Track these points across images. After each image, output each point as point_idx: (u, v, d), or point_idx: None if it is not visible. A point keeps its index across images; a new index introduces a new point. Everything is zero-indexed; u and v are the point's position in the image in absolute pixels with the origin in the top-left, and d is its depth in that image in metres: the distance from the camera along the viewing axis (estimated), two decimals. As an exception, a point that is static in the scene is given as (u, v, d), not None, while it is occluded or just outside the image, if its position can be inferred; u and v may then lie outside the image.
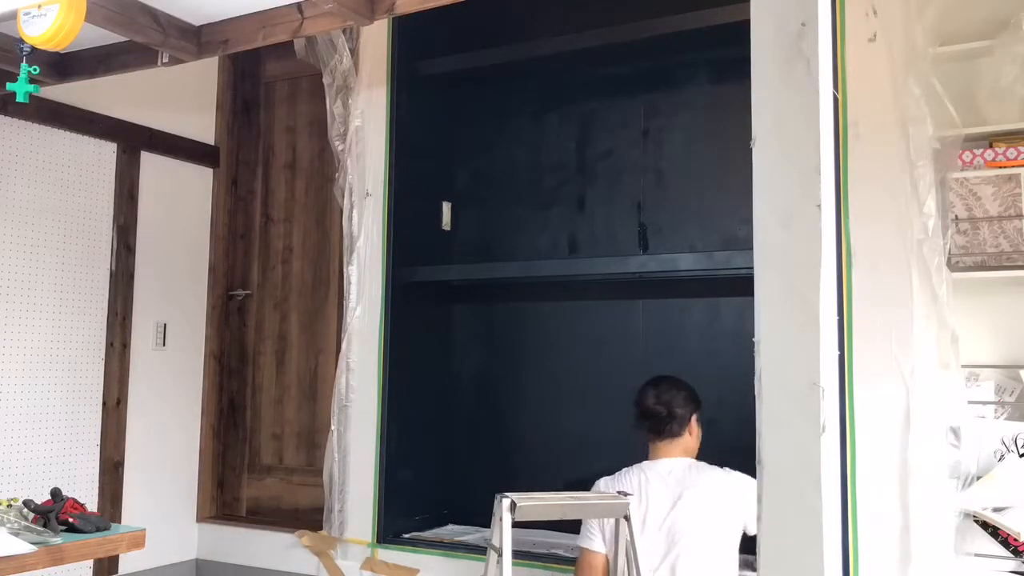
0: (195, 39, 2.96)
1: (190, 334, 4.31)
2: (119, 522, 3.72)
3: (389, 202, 3.72)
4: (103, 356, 3.89)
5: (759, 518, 2.03)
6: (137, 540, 2.49)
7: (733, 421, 2.71)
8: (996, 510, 2.61)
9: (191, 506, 4.28)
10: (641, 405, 2.80)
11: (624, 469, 2.76)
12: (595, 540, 2.64)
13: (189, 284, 4.33)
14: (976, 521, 2.65)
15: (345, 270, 3.76)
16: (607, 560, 2.61)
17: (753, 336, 2.37)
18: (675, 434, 2.77)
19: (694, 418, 2.83)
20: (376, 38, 3.80)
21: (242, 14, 2.88)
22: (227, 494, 4.36)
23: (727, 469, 2.73)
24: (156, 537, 3.05)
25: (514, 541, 2.21)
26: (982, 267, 2.79)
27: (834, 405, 2.31)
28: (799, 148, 2.28)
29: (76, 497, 2.54)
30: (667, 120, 3.72)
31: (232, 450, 4.38)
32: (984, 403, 2.79)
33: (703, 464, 2.78)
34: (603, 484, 2.72)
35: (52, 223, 3.70)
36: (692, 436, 2.82)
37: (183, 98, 4.30)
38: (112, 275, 3.92)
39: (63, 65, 3.20)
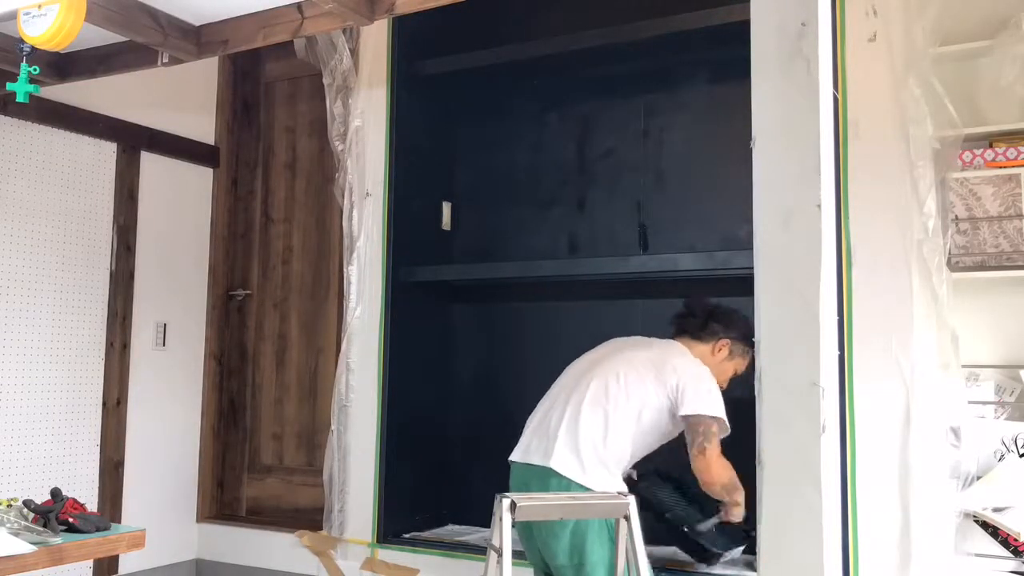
0: (195, 39, 2.96)
1: (190, 334, 4.31)
2: (119, 522, 3.72)
3: (389, 202, 3.72)
4: (103, 356, 3.89)
5: (759, 518, 2.03)
6: (137, 540, 2.49)
7: (732, 421, 2.71)
8: (996, 510, 2.62)
9: (191, 506, 4.28)
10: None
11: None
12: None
13: (189, 284, 4.33)
14: (976, 521, 2.65)
15: (345, 270, 3.76)
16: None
17: (753, 336, 2.38)
18: (680, 328, 2.85)
19: (726, 342, 2.81)
20: (376, 38, 3.80)
21: (242, 14, 2.88)
22: (227, 494, 4.36)
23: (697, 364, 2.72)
24: (156, 537, 3.05)
25: (514, 541, 2.21)
26: (982, 267, 2.79)
27: (834, 405, 2.32)
28: (799, 148, 2.28)
29: (76, 497, 2.53)
30: (667, 120, 3.72)
31: (232, 450, 4.38)
32: (984, 403, 2.79)
33: (676, 343, 2.80)
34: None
35: (52, 223, 3.70)
36: (713, 355, 2.80)
37: (183, 98, 4.30)
38: (112, 275, 3.92)
39: (63, 65, 3.20)
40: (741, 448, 2.49)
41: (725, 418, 2.61)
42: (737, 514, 2.71)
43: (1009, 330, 2.85)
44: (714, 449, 2.57)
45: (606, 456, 2.58)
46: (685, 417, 2.60)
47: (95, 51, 3.14)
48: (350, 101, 3.79)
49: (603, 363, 2.72)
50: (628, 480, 2.75)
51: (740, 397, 2.57)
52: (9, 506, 2.35)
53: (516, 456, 2.70)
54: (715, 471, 2.59)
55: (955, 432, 2.71)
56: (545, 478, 2.56)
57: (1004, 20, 2.81)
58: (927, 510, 2.67)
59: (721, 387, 2.74)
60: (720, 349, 2.82)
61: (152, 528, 2.72)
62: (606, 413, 2.60)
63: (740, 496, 2.65)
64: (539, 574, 2.74)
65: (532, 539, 2.64)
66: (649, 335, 3.65)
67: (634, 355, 2.73)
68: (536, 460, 2.61)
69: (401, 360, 3.70)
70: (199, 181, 4.40)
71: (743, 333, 2.78)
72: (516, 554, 2.34)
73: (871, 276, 2.79)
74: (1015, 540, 2.60)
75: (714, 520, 2.80)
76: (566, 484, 2.53)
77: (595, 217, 3.83)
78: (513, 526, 2.17)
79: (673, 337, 2.87)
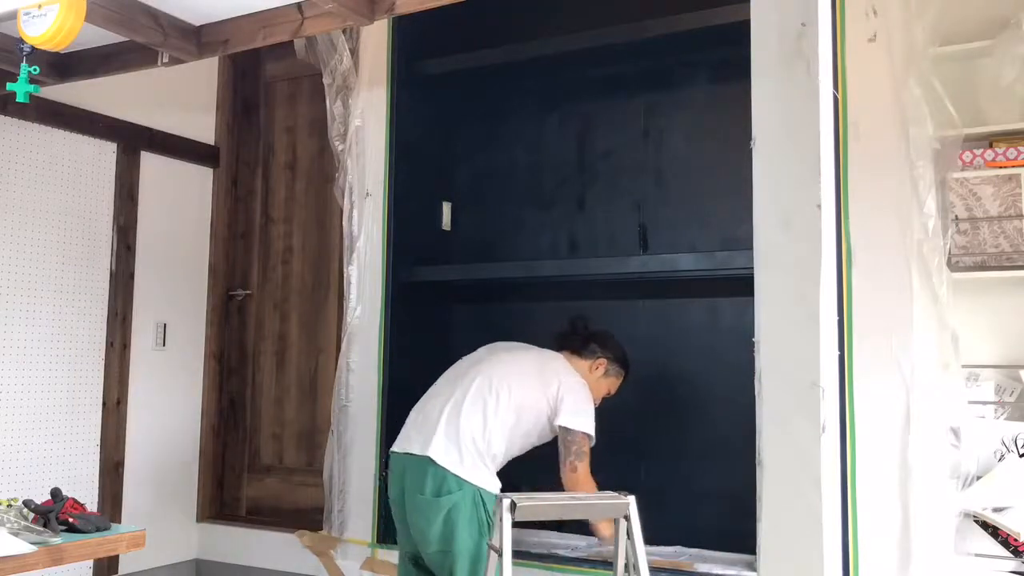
0: (195, 39, 2.96)
1: (190, 334, 4.31)
2: (119, 522, 3.72)
3: (389, 202, 3.72)
4: (103, 356, 3.89)
5: (759, 518, 2.03)
6: (137, 540, 2.49)
7: (733, 421, 2.71)
8: (996, 510, 2.62)
9: (191, 506, 4.28)
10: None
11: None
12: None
13: (189, 284, 4.33)
14: (976, 521, 2.65)
15: (345, 270, 3.76)
16: None
17: (753, 336, 2.38)
18: (563, 344, 3.03)
19: (603, 360, 2.99)
20: (376, 38, 3.80)
21: (242, 14, 2.88)
22: (227, 494, 4.36)
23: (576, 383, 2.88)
24: (156, 537, 3.05)
25: (514, 541, 2.21)
26: (982, 267, 2.79)
27: (834, 405, 2.32)
28: (799, 148, 2.28)
29: (76, 497, 2.53)
30: (667, 120, 3.72)
31: (232, 450, 4.37)
32: (984, 403, 2.79)
33: (558, 355, 2.97)
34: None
35: (52, 223, 3.70)
36: (591, 371, 2.97)
37: (183, 98, 4.30)
38: (112, 275, 3.92)
39: (63, 65, 3.20)
40: (741, 447, 2.49)
41: (594, 435, 2.79)
42: (608, 527, 2.84)
43: (1009, 330, 2.84)
44: (585, 467, 2.76)
45: (484, 450, 2.68)
46: (561, 428, 2.77)
47: (95, 51, 3.14)
48: (350, 101, 3.79)
49: (487, 362, 2.84)
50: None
51: (740, 397, 2.57)
52: (9, 506, 2.35)
53: (396, 447, 2.80)
54: (582, 487, 2.75)
55: (955, 432, 2.71)
56: (423, 467, 2.65)
57: (1004, 20, 2.81)
58: (927, 510, 2.67)
59: (595, 403, 2.91)
60: (598, 367, 2.99)
61: (152, 528, 2.72)
62: (486, 409, 2.71)
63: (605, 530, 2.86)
64: (406, 560, 2.83)
65: (405, 524, 2.73)
66: (649, 335, 3.67)
67: (519, 357, 2.89)
68: (415, 450, 2.69)
69: (401, 360, 3.70)
70: (199, 181, 4.40)
71: (617, 356, 3.03)
72: (516, 554, 2.34)
73: (871, 276, 2.79)
74: (1015, 540, 2.59)
75: (595, 547, 3.07)
76: (442, 473, 2.62)
77: (595, 217, 3.83)
78: (513, 526, 2.18)
79: (556, 350, 3.03)
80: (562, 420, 2.75)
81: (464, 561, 2.58)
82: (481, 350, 3.01)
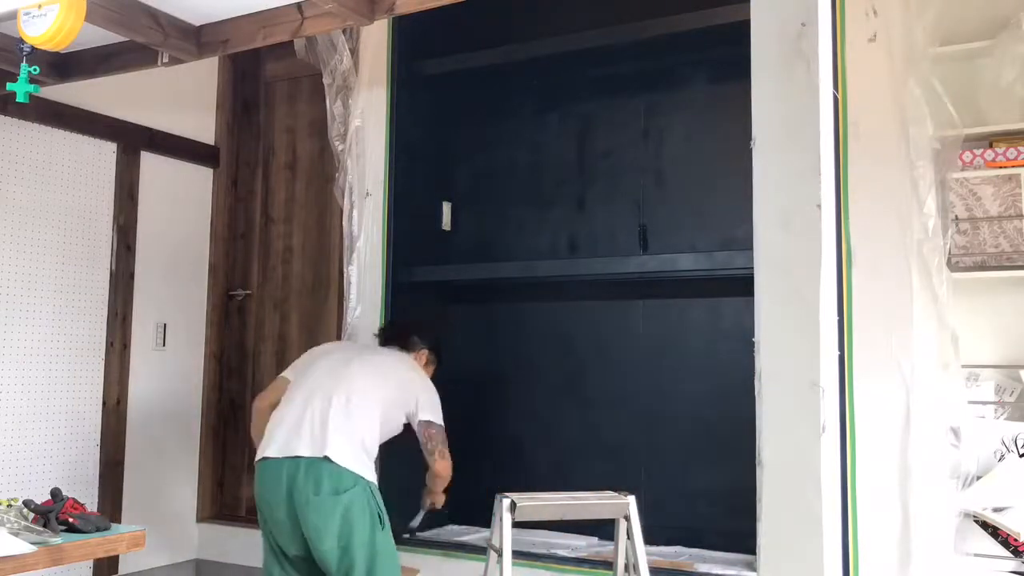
0: (195, 39, 2.96)
1: (190, 334, 4.31)
2: (119, 522, 3.71)
3: (389, 202, 3.72)
4: (103, 356, 3.88)
5: (759, 518, 2.03)
6: (137, 540, 2.49)
7: (733, 421, 2.71)
8: (996, 510, 2.62)
9: (191, 506, 4.28)
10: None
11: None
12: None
13: (189, 284, 4.33)
14: (976, 521, 2.65)
15: (345, 270, 3.76)
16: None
17: (753, 336, 2.38)
18: (387, 341, 3.21)
19: (424, 351, 3.18)
20: (376, 38, 3.80)
21: (242, 14, 2.88)
22: (227, 494, 4.36)
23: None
24: (156, 537, 3.05)
25: (514, 541, 2.21)
26: (982, 267, 2.79)
27: (834, 405, 2.32)
28: (799, 148, 2.28)
29: (76, 497, 2.53)
30: (667, 120, 3.72)
31: (232, 450, 4.37)
32: (984, 403, 2.79)
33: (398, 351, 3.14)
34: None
35: (52, 223, 3.70)
36: (415, 361, 3.14)
37: (183, 98, 4.30)
38: (112, 275, 3.92)
39: (63, 65, 3.20)
40: (741, 447, 2.49)
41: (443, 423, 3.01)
42: (442, 500, 3.20)
43: (1009, 330, 2.84)
44: (446, 450, 3.01)
45: (370, 448, 2.82)
46: (422, 423, 2.96)
47: (95, 51, 3.14)
48: (350, 101, 3.79)
49: (351, 366, 2.93)
50: None
51: (740, 397, 2.57)
52: (9, 506, 2.35)
53: (272, 452, 2.78)
54: (445, 469, 3.03)
55: (955, 432, 2.71)
56: (317, 467, 2.70)
57: (1004, 20, 2.81)
58: (927, 510, 2.67)
59: None
60: (420, 357, 3.17)
61: (152, 528, 2.72)
62: (368, 410, 2.84)
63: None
64: (274, 561, 2.86)
65: (287, 525, 2.74)
66: (649, 335, 3.67)
67: (376, 360, 3.03)
68: (305, 452, 2.73)
69: (401, 360, 3.70)
70: (199, 181, 4.40)
71: (432, 344, 3.21)
72: (516, 554, 2.34)
73: (871, 276, 2.79)
74: (1015, 540, 2.60)
75: (422, 514, 3.32)
76: (338, 471, 2.69)
77: (595, 217, 3.83)
78: (513, 526, 2.17)
79: (382, 346, 3.22)
80: (423, 416, 2.94)
81: (363, 552, 2.67)
82: (331, 352, 3.09)
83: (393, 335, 3.24)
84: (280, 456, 2.76)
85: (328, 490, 2.67)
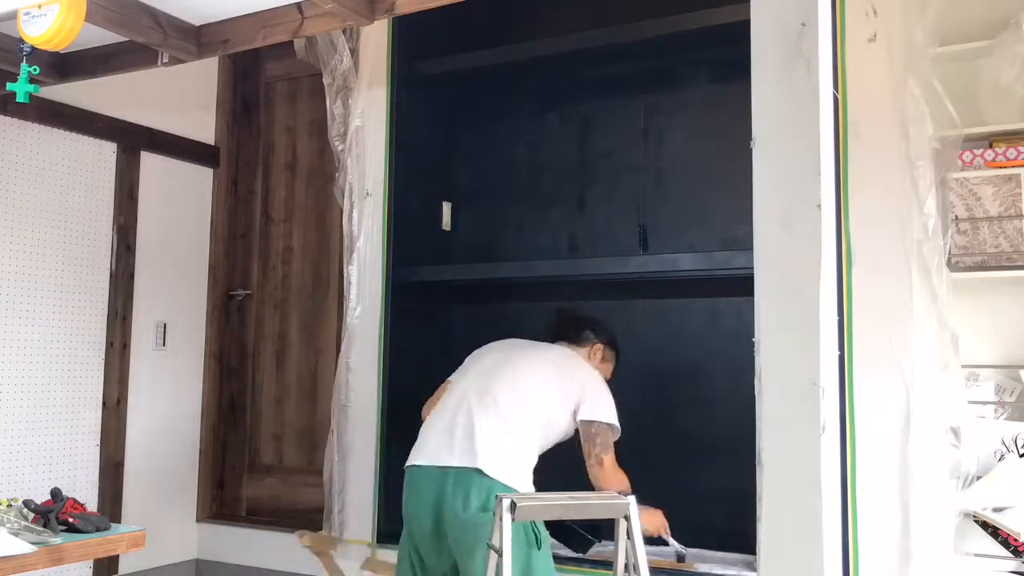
0: (195, 39, 2.96)
1: (190, 334, 4.31)
2: (119, 522, 3.71)
3: (389, 202, 3.72)
4: (103, 356, 3.89)
5: (759, 518, 2.03)
6: (137, 540, 2.49)
7: (732, 421, 2.71)
8: (996, 510, 2.62)
9: (191, 506, 4.28)
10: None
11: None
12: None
13: (189, 284, 4.33)
14: (976, 521, 2.65)
15: (345, 270, 3.76)
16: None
17: (753, 336, 2.38)
18: (557, 336, 2.95)
19: (599, 346, 2.94)
20: (376, 38, 3.80)
21: (242, 14, 2.88)
22: (227, 494, 4.36)
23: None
24: (156, 537, 3.06)
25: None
26: (982, 267, 2.79)
27: (834, 405, 2.32)
28: (799, 148, 2.28)
29: (76, 497, 2.53)
30: (667, 120, 3.72)
31: (232, 450, 4.37)
32: (984, 403, 2.79)
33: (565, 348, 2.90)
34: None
35: (52, 223, 3.70)
36: (590, 358, 2.91)
37: (183, 98, 4.30)
38: (112, 275, 3.92)
39: (63, 65, 3.20)
40: (741, 447, 2.49)
41: (618, 424, 2.70)
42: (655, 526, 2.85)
43: (1009, 330, 2.85)
44: (610, 459, 2.68)
45: (526, 455, 2.61)
46: (584, 422, 2.68)
47: (95, 51, 3.14)
48: (350, 101, 3.79)
49: (506, 366, 2.74)
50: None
51: (740, 397, 2.57)
52: (9, 506, 2.35)
53: (421, 460, 2.63)
54: (612, 480, 2.67)
55: (955, 432, 2.71)
56: (467, 481, 2.51)
57: (1004, 20, 2.81)
58: (927, 510, 2.67)
59: None
60: (595, 353, 2.94)
61: (152, 528, 2.72)
62: (522, 412, 2.63)
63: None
64: (409, 566, 2.68)
65: (432, 538, 2.58)
66: (649, 335, 3.67)
67: (535, 356, 2.80)
68: (455, 462, 2.55)
69: (401, 360, 3.70)
70: (199, 181, 4.40)
71: (610, 338, 2.98)
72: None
73: (871, 276, 2.79)
74: (1015, 540, 2.59)
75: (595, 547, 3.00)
76: (488, 485, 2.49)
77: (595, 217, 3.83)
78: (513, 521, 2.17)
79: (553, 342, 2.96)
80: (585, 414, 2.67)
81: (515, 572, 2.42)
82: (491, 352, 2.89)
83: (563, 330, 2.99)
84: (428, 464, 2.59)
85: (477, 506, 2.46)
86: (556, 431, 2.71)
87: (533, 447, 2.64)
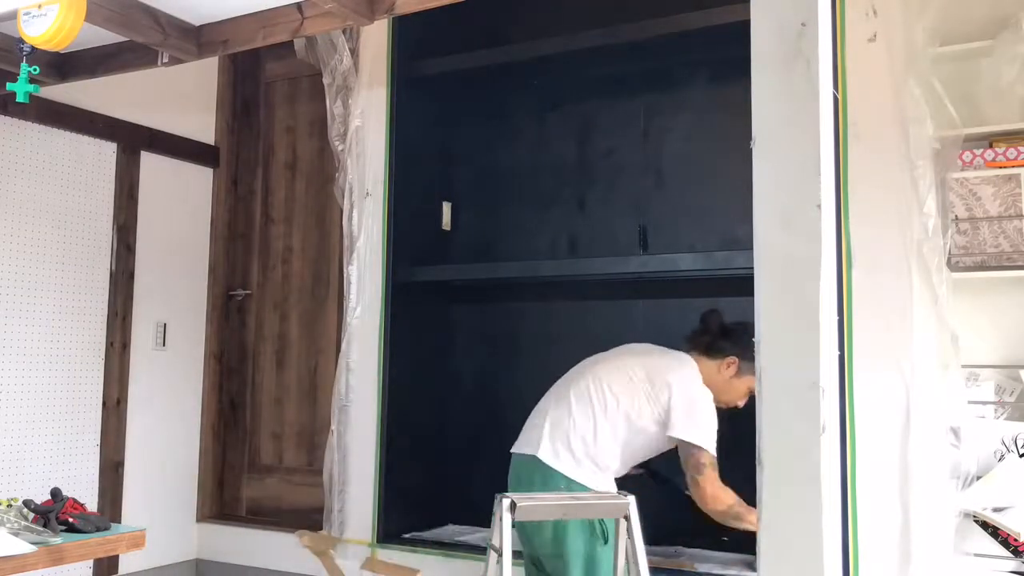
0: (195, 39, 2.96)
1: (190, 334, 4.31)
2: (119, 522, 3.72)
3: (389, 202, 3.72)
4: (103, 356, 3.89)
5: (759, 518, 2.02)
6: (137, 540, 2.49)
7: (732, 421, 2.71)
8: (996, 510, 2.61)
9: (191, 506, 4.28)
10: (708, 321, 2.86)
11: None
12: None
13: (189, 284, 4.33)
14: (976, 521, 2.65)
15: (345, 270, 3.76)
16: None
17: (753, 336, 2.37)
18: (692, 343, 2.81)
19: (734, 360, 2.76)
20: (376, 38, 3.80)
21: (242, 14, 2.88)
22: (227, 494, 4.36)
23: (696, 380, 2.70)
24: (156, 537, 3.06)
25: (514, 541, 2.21)
26: (982, 267, 2.79)
27: (834, 405, 2.31)
28: (799, 148, 2.28)
29: (76, 497, 2.54)
30: (667, 120, 3.72)
31: (232, 450, 4.37)
32: (984, 403, 2.79)
33: (684, 357, 2.77)
34: None
35: (52, 223, 3.70)
36: (720, 372, 2.75)
37: (183, 98, 4.30)
38: (112, 275, 3.92)
39: (63, 65, 3.20)
40: (740, 447, 2.49)
41: (711, 448, 2.59)
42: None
43: (1009, 330, 2.84)
44: (706, 479, 2.59)
45: (596, 454, 2.61)
46: (679, 441, 2.63)
47: (95, 51, 3.14)
48: (350, 101, 3.79)
49: (602, 365, 2.76)
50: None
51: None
52: (9, 506, 2.35)
53: (514, 447, 2.77)
54: (710, 501, 2.62)
55: (955, 432, 2.71)
56: (531, 468, 2.62)
57: (1004, 20, 2.81)
58: (927, 510, 2.67)
59: (735, 406, 2.78)
60: (728, 366, 2.77)
61: (152, 528, 2.73)
62: (595, 414, 2.63)
63: (751, 518, 2.55)
64: (528, 562, 2.79)
65: (523, 527, 2.67)
66: (648, 335, 3.66)
67: (633, 362, 2.73)
68: (527, 450, 2.67)
69: (401, 360, 3.70)
70: (199, 181, 4.40)
71: (743, 348, 2.73)
72: (516, 554, 2.34)
73: (871, 276, 2.79)
74: (1015, 540, 2.59)
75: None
76: (550, 473, 2.58)
77: (595, 217, 3.83)
78: (513, 526, 2.17)
79: (688, 352, 2.83)
80: (673, 432, 2.60)
81: (577, 563, 2.51)
82: (608, 352, 2.86)
83: (698, 338, 2.84)
84: (515, 452, 2.72)
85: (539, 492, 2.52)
86: (645, 441, 2.65)
87: (609, 452, 2.61)
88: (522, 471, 2.67)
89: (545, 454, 2.61)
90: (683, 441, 2.61)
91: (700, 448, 2.59)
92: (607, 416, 2.63)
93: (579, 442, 2.60)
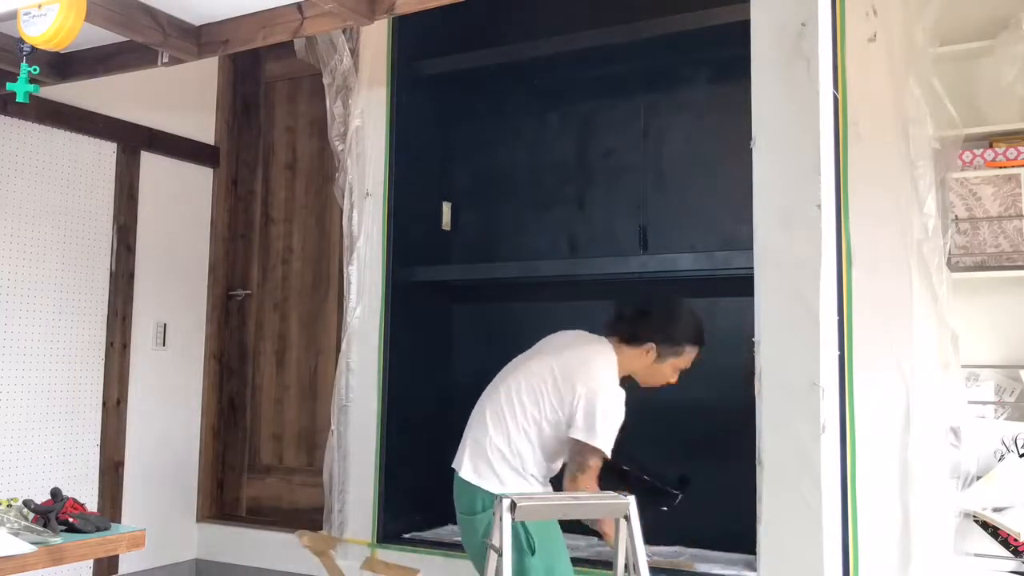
0: (195, 39, 2.96)
1: (190, 334, 4.31)
2: (119, 522, 3.72)
3: (389, 202, 3.72)
4: (103, 356, 3.89)
5: (759, 518, 2.03)
6: (137, 540, 2.49)
7: (732, 421, 2.71)
8: (996, 510, 2.62)
9: (191, 506, 4.28)
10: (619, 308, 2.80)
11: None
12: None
13: (189, 284, 4.33)
14: (976, 521, 2.65)
15: (345, 270, 3.76)
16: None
17: (753, 336, 2.37)
18: (612, 331, 2.72)
19: (651, 346, 2.69)
20: (376, 38, 3.80)
21: (242, 14, 2.88)
22: (227, 494, 4.36)
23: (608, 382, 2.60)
24: (156, 537, 3.05)
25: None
26: (982, 267, 2.79)
27: (834, 405, 2.31)
28: (799, 148, 2.28)
29: (76, 497, 2.53)
30: (667, 120, 3.72)
31: (232, 450, 4.37)
32: (984, 403, 2.79)
33: (601, 347, 2.67)
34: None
35: (52, 223, 3.70)
36: (642, 358, 2.69)
37: (183, 98, 4.30)
38: (112, 275, 3.92)
39: (63, 65, 3.20)
40: (740, 447, 2.49)
41: (607, 451, 2.51)
42: (610, 525, 2.50)
43: (1009, 330, 2.85)
44: (586, 479, 2.51)
45: (518, 465, 2.55)
46: (570, 439, 2.54)
47: (95, 51, 3.14)
48: (350, 101, 3.79)
49: (520, 371, 2.67)
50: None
51: (739, 397, 2.57)
52: (9, 506, 2.35)
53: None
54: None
55: (955, 432, 2.71)
56: (459, 486, 2.60)
57: (1004, 20, 2.81)
58: (927, 510, 2.67)
59: (661, 385, 2.75)
60: (647, 353, 2.69)
61: (152, 528, 2.72)
62: (508, 427, 2.58)
63: (607, 528, 2.53)
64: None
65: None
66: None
67: (550, 363, 2.63)
68: (455, 467, 2.64)
69: (401, 360, 3.70)
70: (199, 181, 4.40)
71: (669, 334, 2.70)
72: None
73: (871, 276, 2.79)
74: (1015, 540, 2.60)
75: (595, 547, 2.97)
76: (472, 490, 2.54)
77: (595, 217, 3.83)
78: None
79: (609, 339, 2.73)
80: (574, 434, 2.52)
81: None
82: (533, 349, 2.81)
83: (617, 326, 2.75)
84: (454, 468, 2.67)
85: (463, 509, 2.57)
86: (561, 441, 2.58)
87: (528, 458, 2.57)
88: (455, 488, 2.64)
89: (467, 473, 2.57)
90: (578, 441, 2.52)
91: (595, 451, 2.50)
92: (518, 426, 2.57)
93: (497, 455, 2.55)
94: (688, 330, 2.74)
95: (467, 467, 2.59)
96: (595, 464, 2.52)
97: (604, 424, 2.50)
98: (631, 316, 2.75)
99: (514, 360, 2.78)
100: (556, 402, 2.57)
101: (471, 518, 2.54)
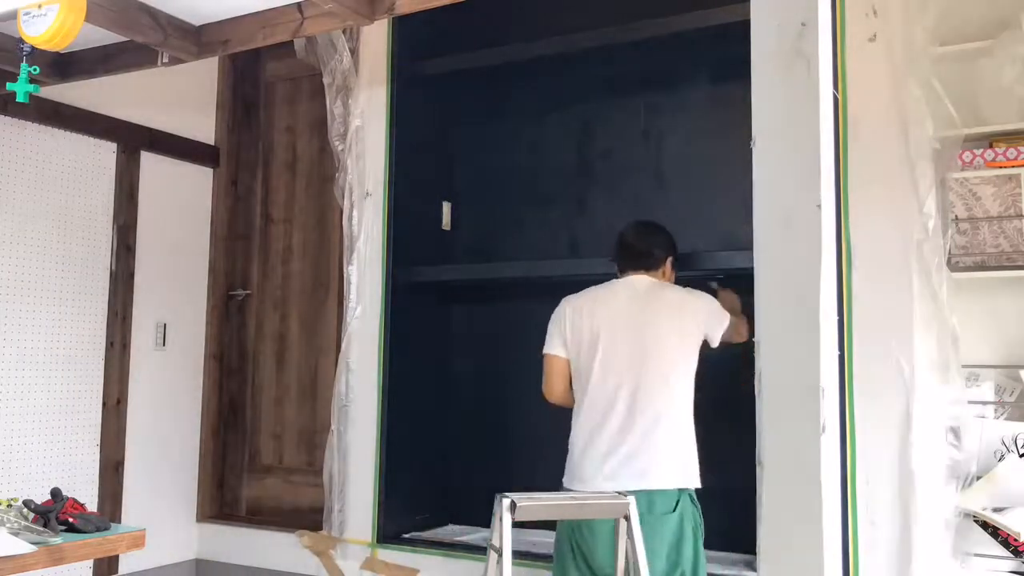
0: (195, 39, 2.96)
1: (190, 334, 4.31)
2: (119, 522, 3.72)
3: (389, 202, 3.72)
4: (103, 356, 3.89)
5: (759, 518, 2.03)
6: (137, 540, 2.49)
7: (732, 421, 2.71)
8: (996, 510, 2.62)
9: (191, 506, 4.28)
10: (622, 240, 2.97)
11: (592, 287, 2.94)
12: (556, 346, 2.90)
13: (189, 284, 4.33)
14: (976, 521, 2.65)
15: (345, 270, 3.76)
16: (568, 364, 2.89)
17: (753, 336, 2.37)
18: (649, 268, 2.89)
19: (669, 261, 2.95)
20: (376, 38, 3.80)
21: (242, 14, 2.88)
22: (227, 494, 4.36)
23: (689, 289, 2.86)
24: (156, 537, 3.05)
25: (514, 541, 2.21)
26: (982, 267, 2.79)
27: (834, 405, 2.31)
28: (799, 148, 2.28)
29: (76, 497, 2.54)
30: (667, 120, 3.72)
31: (232, 450, 4.37)
32: (984, 403, 2.79)
33: (666, 283, 2.91)
34: (567, 302, 2.93)
35: (52, 223, 3.70)
36: (664, 277, 2.93)
37: (183, 98, 4.30)
38: (112, 275, 3.92)
39: (63, 65, 3.20)
40: (740, 447, 2.49)
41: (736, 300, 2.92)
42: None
43: (1009, 330, 2.84)
44: (742, 325, 2.85)
45: (693, 447, 2.75)
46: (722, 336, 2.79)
47: (95, 51, 3.14)
48: (350, 101, 3.79)
49: (635, 359, 2.74)
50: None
51: (739, 397, 2.57)
52: (9, 506, 2.35)
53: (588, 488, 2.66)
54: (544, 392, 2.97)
55: (955, 432, 2.71)
56: (642, 501, 2.51)
57: (1004, 20, 2.81)
58: (927, 510, 2.67)
59: None
60: (667, 271, 2.95)
61: (152, 528, 2.72)
62: (665, 408, 2.72)
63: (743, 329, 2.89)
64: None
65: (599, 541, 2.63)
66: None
67: (647, 334, 2.75)
68: (628, 486, 2.57)
69: (401, 360, 3.70)
70: (199, 181, 4.40)
71: (667, 240, 2.97)
72: (516, 554, 2.34)
73: (871, 276, 2.79)
74: (1015, 540, 2.59)
75: None
76: (661, 495, 2.64)
77: (595, 217, 3.83)
78: (513, 526, 2.17)
79: (634, 273, 2.91)
80: (716, 340, 2.83)
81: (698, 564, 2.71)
82: (602, 331, 2.84)
83: (631, 259, 2.92)
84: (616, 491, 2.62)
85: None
86: (681, 376, 2.82)
87: (690, 431, 2.79)
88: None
89: (654, 482, 2.64)
90: (728, 328, 2.83)
91: (738, 316, 2.86)
92: (677, 398, 2.74)
93: (680, 450, 2.72)
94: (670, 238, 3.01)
95: (656, 477, 2.65)
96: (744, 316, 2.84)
97: (720, 306, 2.82)
98: (643, 243, 2.94)
99: (601, 335, 2.80)
100: (688, 343, 2.75)
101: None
